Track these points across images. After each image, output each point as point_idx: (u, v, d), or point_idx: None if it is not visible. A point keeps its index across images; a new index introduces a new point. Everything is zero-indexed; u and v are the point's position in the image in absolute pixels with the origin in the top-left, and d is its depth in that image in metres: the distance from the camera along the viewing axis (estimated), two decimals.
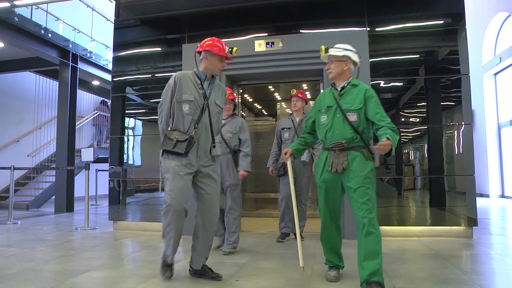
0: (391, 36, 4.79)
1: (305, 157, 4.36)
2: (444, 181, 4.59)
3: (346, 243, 3.19)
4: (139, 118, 5.70)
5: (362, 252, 2.47)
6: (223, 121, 3.72)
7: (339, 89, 2.70)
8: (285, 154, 2.85)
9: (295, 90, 4.47)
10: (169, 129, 2.79)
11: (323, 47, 2.70)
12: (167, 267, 2.78)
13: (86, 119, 11.72)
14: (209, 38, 2.90)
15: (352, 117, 2.57)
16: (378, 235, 2.45)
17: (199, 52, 2.91)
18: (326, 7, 4.86)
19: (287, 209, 4.36)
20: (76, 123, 8.88)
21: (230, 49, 2.87)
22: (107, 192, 5.82)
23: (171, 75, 2.95)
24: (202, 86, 2.85)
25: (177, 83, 2.80)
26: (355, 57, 2.69)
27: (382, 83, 4.76)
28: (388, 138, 2.38)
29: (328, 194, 2.66)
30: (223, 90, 3.05)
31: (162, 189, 5.21)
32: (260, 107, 8.36)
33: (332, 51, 2.68)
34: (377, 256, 2.41)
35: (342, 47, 2.69)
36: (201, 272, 2.84)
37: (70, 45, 8.34)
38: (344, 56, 2.66)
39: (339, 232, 2.80)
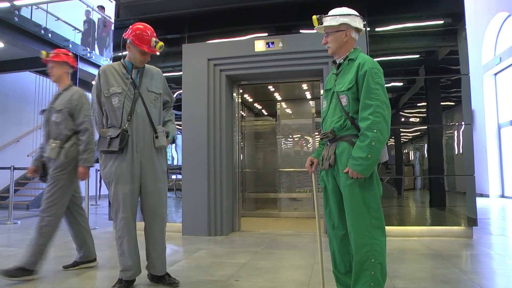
0: (391, 36, 4.79)
1: (49, 152, 2.99)
2: (444, 181, 4.58)
3: None
4: None
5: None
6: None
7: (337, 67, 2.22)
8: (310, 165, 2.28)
9: (44, 52, 3.11)
10: (104, 128, 2.60)
11: (315, 18, 2.17)
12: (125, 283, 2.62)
13: None
14: (137, 24, 2.63)
15: (343, 100, 2.06)
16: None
17: (125, 39, 2.63)
18: (326, 7, 4.87)
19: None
20: None
21: (155, 43, 2.59)
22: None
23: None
24: (130, 75, 2.62)
25: (101, 78, 2.59)
26: (356, 23, 2.13)
27: None
28: (358, 161, 1.93)
29: (327, 196, 2.19)
30: (159, 75, 2.79)
31: None
32: (260, 107, 8.36)
33: (326, 21, 2.16)
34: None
35: (338, 13, 2.14)
36: (159, 277, 2.73)
37: (70, 45, 8.34)
38: (341, 24, 2.12)
39: (347, 252, 2.14)
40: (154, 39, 2.61)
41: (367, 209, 1.98)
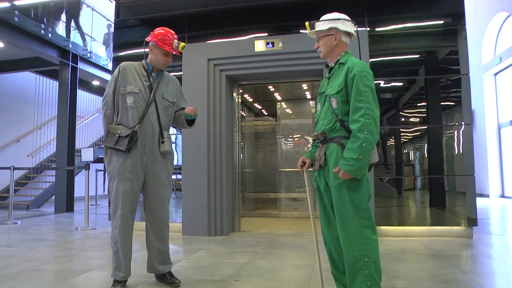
0: (391, 36, 4.79)
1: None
2: (444, 181, 4.58)
3: None
4: None
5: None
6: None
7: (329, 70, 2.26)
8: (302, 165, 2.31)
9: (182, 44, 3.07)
10: (113, 124, 2.64)
11: (307, 24, 2.23)
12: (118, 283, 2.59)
13: (86, 119, 11.72)
14: (159, 28, 2.71)
15: (333, 103, 2.11)
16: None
17: (148, 42, 2.71)
18: (326, 7, 4.86)
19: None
20: (76, 123, 8.88)
21: (177, 44, 2.67)
22: (107, 192, 5.81)
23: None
24: (149, 78, 2.69)
25: (120, 73, 2.64)
26: (345, 27, 2.18)
27: (382, 83, 4.76)
28: (348, 162, 1.96)
29: (321, 196, 2.22)
30: (175, 83, 2.85)
31: None
32: (260, 107, 8.37)
33: (318, 26, 2.20)
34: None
35: (328, 18, 2.19)
36: (161, 276, 2.76)
37: (70, 45, 8.34)
38: (330, 28, 2.17)
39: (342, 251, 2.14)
40: (176, 40, 2.70)
41: (355, 209, 2.00)
